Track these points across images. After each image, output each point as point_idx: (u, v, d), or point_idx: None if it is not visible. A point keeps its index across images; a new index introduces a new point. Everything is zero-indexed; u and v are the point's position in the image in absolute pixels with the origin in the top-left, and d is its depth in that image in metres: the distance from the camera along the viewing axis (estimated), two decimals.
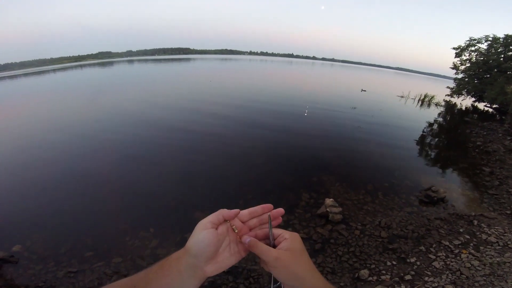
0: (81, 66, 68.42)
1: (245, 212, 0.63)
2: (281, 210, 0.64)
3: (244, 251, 0.60)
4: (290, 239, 0.57)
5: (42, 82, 31.12)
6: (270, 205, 0.64)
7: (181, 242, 4.02)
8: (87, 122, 10.65)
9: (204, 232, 0.55)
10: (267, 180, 6.15)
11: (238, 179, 6.19)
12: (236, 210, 0.61)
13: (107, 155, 7.40)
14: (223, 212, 0.59)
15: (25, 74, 48.54)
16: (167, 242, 4.08)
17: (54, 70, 54.96)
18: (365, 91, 24.57)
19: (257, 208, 0.63)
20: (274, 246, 0.58)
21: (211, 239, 0.55)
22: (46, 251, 3.94)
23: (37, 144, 8.46)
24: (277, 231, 0.60)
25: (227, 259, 0.58)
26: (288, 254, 0.55)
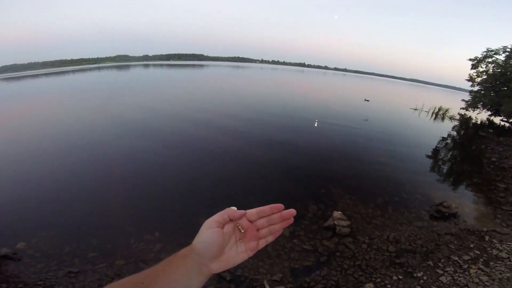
0: (99, 68, 70.59)
1: (253, 212, 0.60)
2: (292, 211, 0.61)
3: (251, 251, 0.59)
4: None
5: (61, 83, 32.26)
6: (280, 205, 0.61)
7: (186, 246, 4.06)
8: (98, 124, 10.96)
9: (209, 232, 0.56)
10: (274, 190, 6.17)
11: (245, 187, 6.23)
12: (242, 211, 0.59)
13: (116, 157, 7.56)
14: (228, 212, 0.58)
15: (46, 74, 50.40)
16: (171, 247, 4.10)
17: (73, 71, 56.87)
18: (368, 101, 24.42)
19: (266, 208, 0.61)
20: None
21: (215, 238, 0.55)
22: (50, 249, 3.99)
23: (46, 144, 8.66)
24: None
25: (232, 258, 0.58)
26: None
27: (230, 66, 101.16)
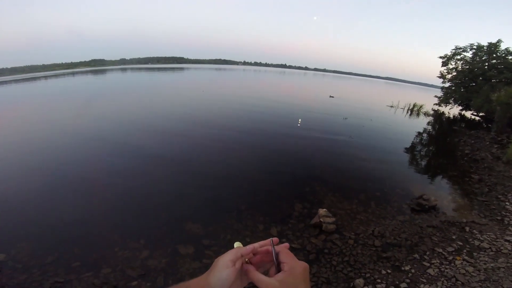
0: (73, 73, 67.35)
1: (256, 245, 0.68)
2: (286, 245, 0.68)
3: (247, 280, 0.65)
4: (288, 272, 0.59)
5: (35, 89, 30.50)
6: (276, 239, 0.68)
7: (173, 253, 3.98)
8: (78, 130, 10.46)
9: (227, 271, 0.59)
10: (260, 191, 6.10)
11: (230, 189, 6.12)
12: (251, 246, 0.66)
13: (98, 164, 7.26)
14: (241, 251, 0.64)
15: (16, 81, 47.58)
16: (158, 253, 3.99)
17: (45, 77, 54.10)
18: (333, 97, 26.00)
19: (267, 241, 0.68)
20: (279, 271, 0.61)
21: (232, 277, 0.59)
22: (31, 260, 3.83)
23: (26, 151, 8.25)
24: (284, 257, 0.63)
25: (238, 286, 0.63)
26: (279, 286, 0.57)
27: (212, 69, 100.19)
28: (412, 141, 11.92)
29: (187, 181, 6.43)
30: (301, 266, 0.61)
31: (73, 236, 4.41)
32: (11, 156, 7.88)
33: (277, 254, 0.64)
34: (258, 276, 0.60)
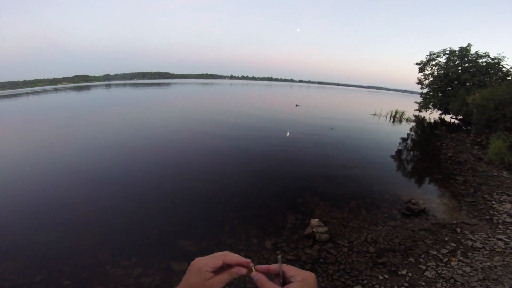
0: (56, 89, 65.67)
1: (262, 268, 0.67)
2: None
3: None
4: (301, 282, 0.59)
5: (15, 106, 29.47)
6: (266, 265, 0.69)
7: (166, 270, 3.86)
8: (66, 147, 10.13)
9: None
10: (252, 205, 6.01)
11: (222, 205, 5.99)
12: (244, 266, 0.67)
13: (86, 181, 7.01)
14: (225, 259, 0.67)
15: None
16: (151, 271, 3.84)
17: (27, 93, 52.63)
18: (299, 106, 26.97)
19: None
20: (284, 283, 0.61)
21: None
22: (19, 278, 3.68)
23: (12, 168, 7.99)
24: (292, 271, 0.62)
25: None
26: None
27: (199, 83, 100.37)
28: (397, 147, 12.18)
29: (178, 198, 6.27)
30: (312, 276, 0.61)
31: (63, 254, 4.25)
32: None
33: (283, 272, 0.62)
34: (272, 286, 0.59)
